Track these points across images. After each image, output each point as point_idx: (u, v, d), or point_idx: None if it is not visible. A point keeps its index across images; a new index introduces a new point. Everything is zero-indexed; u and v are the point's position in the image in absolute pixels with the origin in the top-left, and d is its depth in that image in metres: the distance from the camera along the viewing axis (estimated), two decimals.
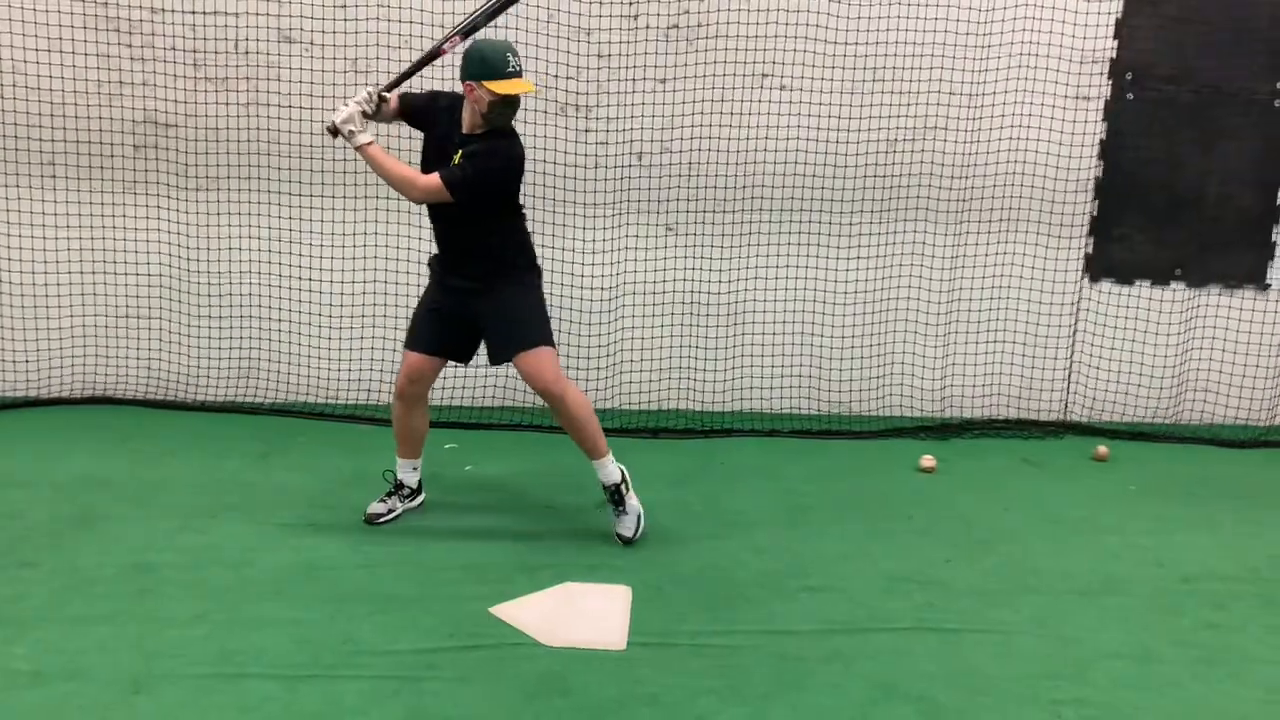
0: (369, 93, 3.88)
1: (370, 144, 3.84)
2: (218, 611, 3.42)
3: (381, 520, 4.23)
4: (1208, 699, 3.17)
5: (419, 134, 4.17)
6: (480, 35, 4.05)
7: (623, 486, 4.18)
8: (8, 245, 5.59)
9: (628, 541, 4.11)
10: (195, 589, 3.57)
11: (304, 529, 4.11)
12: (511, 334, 4.05)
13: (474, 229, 3.98)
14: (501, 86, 3.76)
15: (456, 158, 3.87)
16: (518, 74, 3.80)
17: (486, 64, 3.76)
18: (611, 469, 4.17)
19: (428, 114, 4.05)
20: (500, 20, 5.35)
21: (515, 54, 3.82)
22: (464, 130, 3.93)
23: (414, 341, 4.17)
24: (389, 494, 4.32)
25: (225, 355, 5.82)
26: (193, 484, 4.57)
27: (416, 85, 4.40)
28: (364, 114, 3.86)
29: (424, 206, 4.07)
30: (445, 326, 4.14)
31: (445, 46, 4.00)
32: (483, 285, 4.04)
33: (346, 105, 3.84)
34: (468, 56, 3.83)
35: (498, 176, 3.91)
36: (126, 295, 5.73)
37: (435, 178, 3.83)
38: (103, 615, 3.37)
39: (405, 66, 4.13)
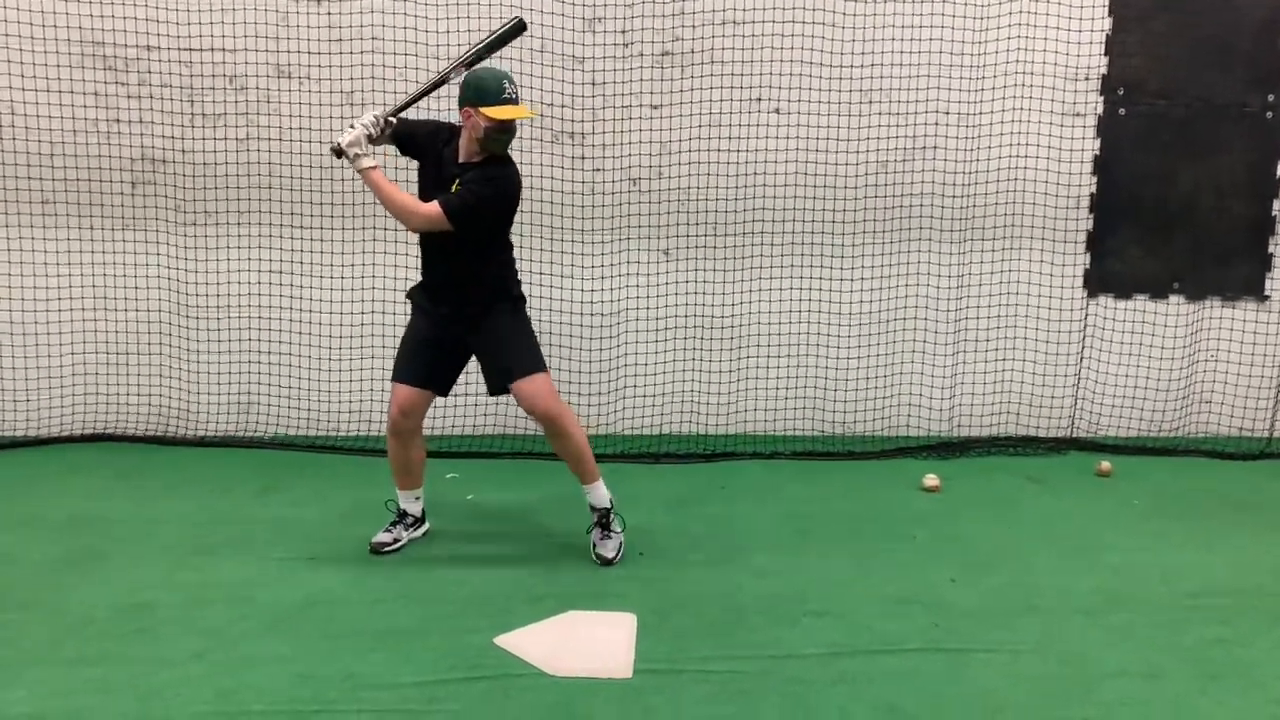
0: (375, 116, 3.90)
1: (374, 169, 3.86)
2: (216, 650, 3.39)
3: (387, 549, 4.21)
4: (1216, 715, 3.13)
5: (415, 165, 4.17)
6: (484, 64, 4.04)
7: (611, 512, 4.22)
8: (6, 284, 5.61)
9: (608, 562, 4.11)
10: (193, 627, 3.54)
11: (304, 563, 4.09)
12: (509, 362, 4.06)
13: (468, 259, 3.99)
14: (497, 112, 3.78)
15: (454, 186, 3.88)
16: (513, 100, 3.82)
17: (483, 90, 3.79)
18: (603, 493, 4.21)
19: (421, 143, 4.05)
20: (501, 51, 5.42)
21: (512, 81, 3.84)
22: (461, 159, 3.94)
23: (405, 374, 4.14)
24: (393, 523, 4.31)
25: (225, 390, 5.82)
26: (191, 520, 4.55)
27: (416, 115, 4.40)
28: (369, 138, 3.88)
29: (416, 237, 4.07)
30: (434, 357, 4.14)
31: (451, 76, 4.00)
32: (475, 316, 4.05)
33: (353, 128, 3.85)
34: (465, 83, 3.85)
35: (496, 205, 3.92)
36: (125, 332, 5.74)
37: (435, 206, 3.84)
38: (100, 656, 3.34)
39: (411, 92, 4.13)
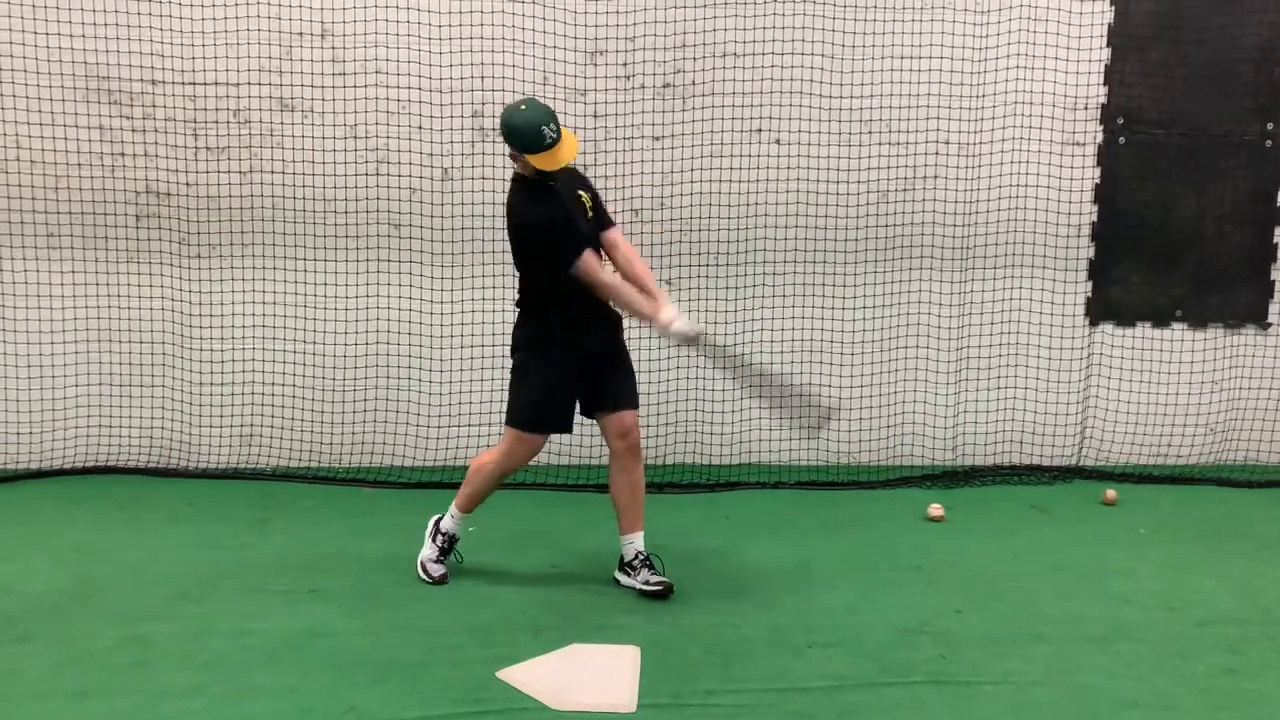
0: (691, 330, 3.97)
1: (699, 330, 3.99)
2: (216, 682, 3.36)
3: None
4: None
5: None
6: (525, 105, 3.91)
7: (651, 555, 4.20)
8: (11, 316, 5.61)
9: (670, 587, 4.07)
10: (193, 659, 3.52)
11: (305, 595, 4.06)
12: (628, 390, 4.12)
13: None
14: (543, 161, 3.77)
15: (583, 197, 3.94)
16: (557, 141, 3.77)
17: (524, 139, 3.75)
18: (643, 539, 4.19)
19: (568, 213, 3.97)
20: (504, 84, 5.47)
21: (550, 120, 3.77)
22: (553, 173, 3.87)
23: (554, 424, 4.08)
24: (444, 552, 4.26)
25: (226, 421, 5.81)
26: (191, 552, 4.53)
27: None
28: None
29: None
30: (575, 396, 4.10)
31: None
32: (613, 334, 4.11)
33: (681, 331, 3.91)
34: (506, 131, 3.81)
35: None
36: (128, 364, 5.73)
37: (585, 257, 3.85)
38: (100, 688, 3.31)
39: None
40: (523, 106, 3.85)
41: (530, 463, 4.26)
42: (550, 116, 3.80)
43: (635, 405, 4.11)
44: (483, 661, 3.52)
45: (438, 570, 4.22)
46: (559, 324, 3.99)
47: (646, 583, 4.09)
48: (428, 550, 4.26)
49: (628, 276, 3.97)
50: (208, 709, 3.20)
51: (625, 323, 4.18)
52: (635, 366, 4.26)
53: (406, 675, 3.43)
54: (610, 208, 5.63)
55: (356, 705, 3.23)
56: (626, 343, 4.21)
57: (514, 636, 3.72)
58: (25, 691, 3.30)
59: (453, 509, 4.26)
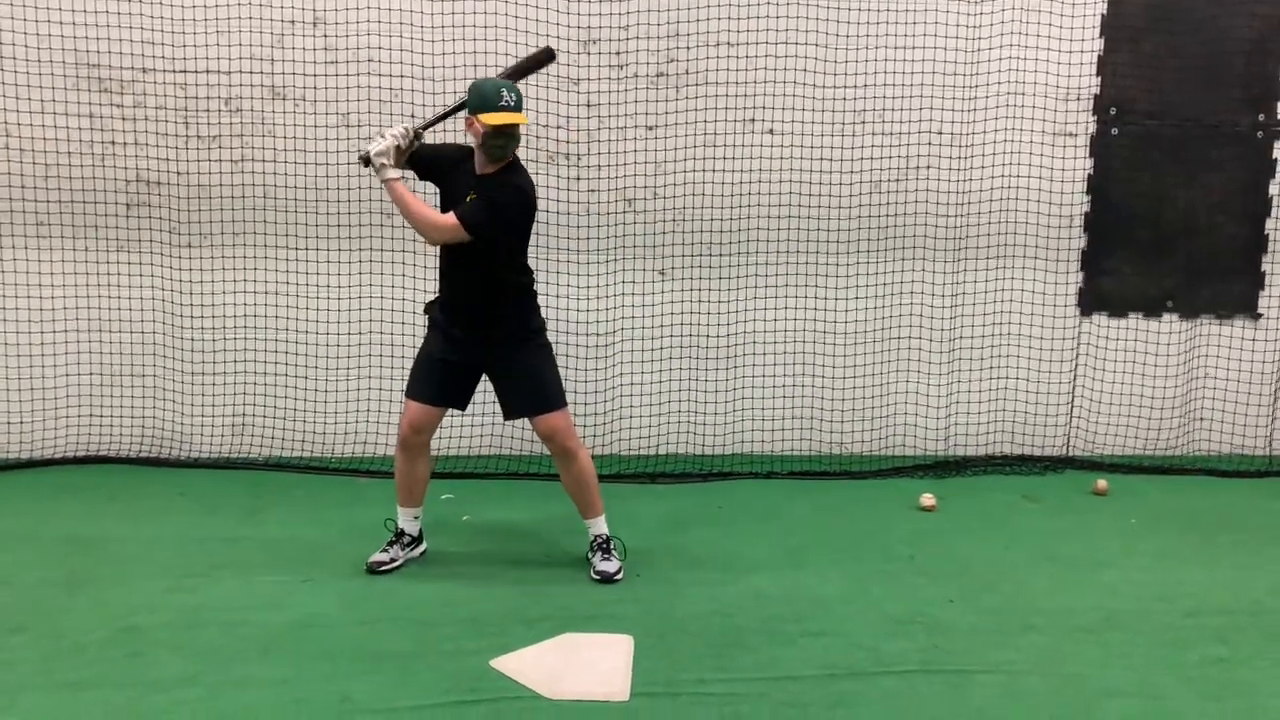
0: (406, 128, 3.91)
1: (398, 180, 3.87)
2: (209, 673, 3.36)
3: (384, 569, 4.19)
4: None
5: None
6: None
7: (611, 540, 4.25)
8: (0, 305, 5.58)
9: (609, 577, 4.12)
10: (186, 650, 3.51)
11: (298, 585, 4.06)
12: (534, 395, 4.10)
13: (488, 281, 3.98)
14: (492, 118, 3.79)
15: (470, 197, 3.89)
16: (510, 108, 3.81)
17: (483, 97, 3.81)
18: (604, 527, 4.25)
19: (434, 166, 4.06)
20: (497, 72, 5.45)
21: (512, 90, 3.84)
22: (477, 171, 3.95)
23: (418, 391, 4.15)
24: (390, 543, 4.29)
25: (218, 411, 5.80)
26: (184, 542, 4.52)
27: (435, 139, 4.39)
28: (398, 149, 3.89)
29: (438, 256, 4.10)
30: (449, 376, 4.14)
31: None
32: (495, 343, 4.06)
33: (383, 137, 3.87)
34: (469, 92, 3.88)
35: (512, 213, 3.93)
36: (119, 353, 5.71)
37: (452, 217, 3.86)
38: (93, 680, 3.31)
39: (439, 110, 4.04)
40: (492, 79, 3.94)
41: (430, 435, 4.23)
42: (510, 86, 3.87)
43: (543, 411, 4.08)
44: (476, 651, 3.53)
45: (372, 556, 4.25)
46: (438, 305, 4.14)
47: (594, 569, 4.17)
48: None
49: None
50: (201, 700, 3.20)
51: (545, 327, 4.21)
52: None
53: (400, 665, 3.43)
54: (603, 197, 5.68)
55: (350, 695, 3.23)
56: (532, 349, 4.12)
57: (507, 626, 3.73)
58: (19, 683, 3.29)
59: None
